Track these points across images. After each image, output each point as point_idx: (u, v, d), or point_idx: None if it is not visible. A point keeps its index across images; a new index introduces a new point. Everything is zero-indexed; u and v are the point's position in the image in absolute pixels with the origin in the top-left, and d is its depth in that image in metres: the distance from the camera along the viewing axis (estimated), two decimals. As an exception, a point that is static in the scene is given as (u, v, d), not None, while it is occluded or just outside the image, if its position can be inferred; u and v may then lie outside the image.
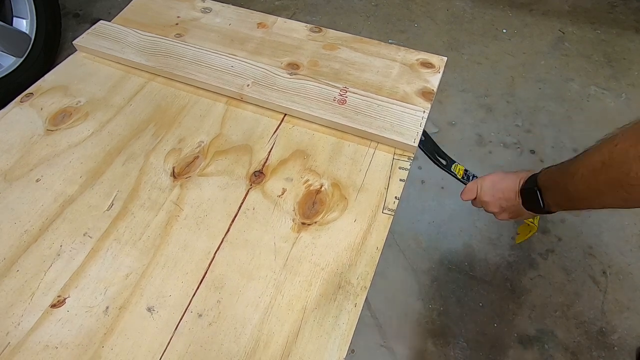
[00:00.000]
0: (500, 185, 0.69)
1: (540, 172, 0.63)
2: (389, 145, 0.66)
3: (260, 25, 0.85)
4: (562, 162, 0.58)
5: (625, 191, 0.46)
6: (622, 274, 1.25)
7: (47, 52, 1.68)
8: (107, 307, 0.50)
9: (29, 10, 1.59)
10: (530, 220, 0.76)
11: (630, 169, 0.44)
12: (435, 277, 1.26)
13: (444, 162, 0.75)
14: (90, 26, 0.80)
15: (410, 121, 0.66)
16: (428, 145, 0.72)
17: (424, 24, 2.00)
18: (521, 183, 0.66)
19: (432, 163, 0.74)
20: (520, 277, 1.26)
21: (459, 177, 0.75)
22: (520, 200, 0.66)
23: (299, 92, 0.70)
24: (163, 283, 0.52)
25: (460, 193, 0.75)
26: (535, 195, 0.62)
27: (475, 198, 0.73)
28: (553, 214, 0.63)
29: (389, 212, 0.59)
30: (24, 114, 0.70)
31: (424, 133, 0.69)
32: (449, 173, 0.75)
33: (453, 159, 0.76)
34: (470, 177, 0.76)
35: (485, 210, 0.74)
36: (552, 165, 0.61)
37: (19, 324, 0.49)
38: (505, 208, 0.70)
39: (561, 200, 0.59)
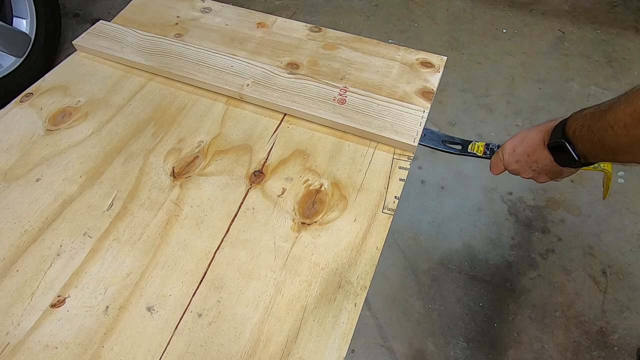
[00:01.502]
0: (523, 148, 0.60)
1: (569, 119, 0.54)
2: (388, 145, 0.66)
3: (260, 25, 0.85)
4: (596, 107, 0.50)
5: None
6: (622, 274, 1.25)
7: (47, 52, 1.68)
8: (107, 307, 0.50)
9: (29, 10, 1.59)
10: (601, 166, 0.63)
11: None
12: (435, 277, 1.26)
13: (458, 147, 0.71)
14: (90, 26, 0.80)
15: (410, 121, 0.66)
16: (433, 140, 0.69)
17: (424, 24, 2.00)
18: (546, 137, 0.57)
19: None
20: (520, 277, 1.26)
21: (481, 155, 0.70)
22: (552, 157, 0.57)
23: (299, 92, 0.70)
24: (163, 283, 0.52)
25: (490, 168, 0.69)
26: (565, 149, 0.53)
27: (504, 170, 0.66)
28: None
29: (389, 212, 0.59)
30: (24, 113, 0.70)
31: (425, 129, 0.67)
32: (469, 155, 0.70)
33: (467, 139, 0.71)
34: (495, 149, 0.70)
35: (523, 177, 0.65)
36: (583, 110, 0.52)
37: (19, 324, 0.49)
38: (540, 170, 0.61)
39: (599, 153, 0.51)
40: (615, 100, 0.46)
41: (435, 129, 0.72)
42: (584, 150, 0.52)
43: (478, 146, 0.70)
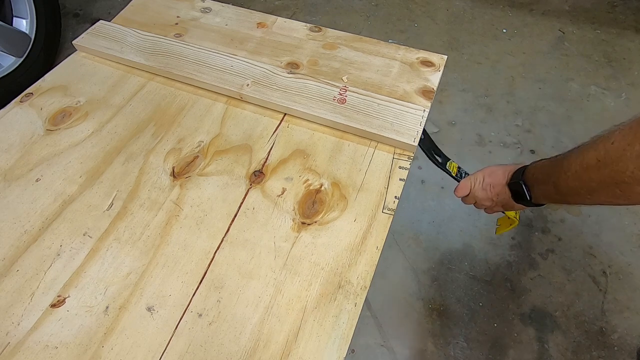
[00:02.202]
0: (489, 180, 0.71)
1: (530, 165, 0.63)
2: (388, 145, 0.66)
3: (260, 24, 0.85)
4: (554, 157, 0.58)
5: (619, 189, 0.46)
6: (622, 274, 1.25)
7: (47, 52, 1.68)
8: (107, 307, 0.50)
9: (29, 10, 1.59)
10: (513, 213, 0.78)
11: (626, 167, 0.43)
12: (435, 277, 1.26)
13: (439, 159, 0.76)
14: (90, 26, 0.80)
15: (411, 120, 0.66)
16: (426, 143, 0.73)
17: (424, 23, 2.00)
18: (508, 176, 0.67)
19: (432, 162, 0.75)
20: (520, 277, 1.25)
21: (453, 175, 0.77)
22: (510, 194, 0.66)
23: (299, 92, 0.70)
24: (163, 283, 0.52)
25: (454, 190, 0.76)
26: (520, 188, 0.63)
27: (468, 195, 0.75)
28: (554, 210, 0.65)
29: (389, 212, 0.58)
30: (24, 113, 0.70)
31: (424, 131, 0.69)
32: (444, 170, 0.77)
33: (448, 156, 0.78)
34: (463, 175, 0.77)
35: (476, 207, 0.76)
36: (543, 159, 0.61)
37: (19, 324, 0.49)
38: (497, 202, 0.71)
39: (551, 194, 0.59)
40: (570, 152, 0.54)
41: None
42: (539, 192, 0.61)
43: (453, 166, 0.77)
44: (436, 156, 0.75)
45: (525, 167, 0.64)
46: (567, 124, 1.61)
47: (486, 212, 0.77)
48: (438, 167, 0.76)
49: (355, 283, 0.52)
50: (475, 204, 0.76)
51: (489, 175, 0.71)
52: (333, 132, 0.68)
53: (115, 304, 0.51)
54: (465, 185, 0.74)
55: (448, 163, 0.77)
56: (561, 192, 0.56)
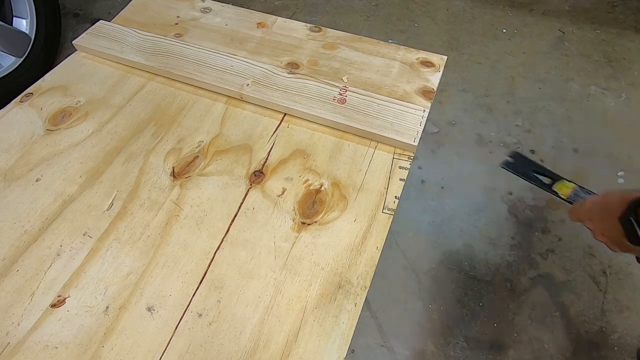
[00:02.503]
0: (598, 208, 0.55)
1: None
2: (389, 145, 0.66)
3: (260, 24, 0.85)
4: None
5: None
6: (622, 274, 1.25)
7: (47, 52, 1.67)
8: (107, 307, 0.50)
9: (29, 10, 1.59)
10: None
11: None
12: (435, 277, 1.26)
13: (548, 180, 0.65)
14: (90, 26, 0.80)
15: (411, 120, 0.66)
16: (522, 166, 0.64)
17: (424, 23, 2.00)
18: (623, 207, 0.50)
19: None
20: (520, 277, 1.25)
21: (564, 198, 0.64)
22: (622, 231, 0.50)
23: (299, 92, 0.70)
24: (163, 283, 0.52)
25: (569, 214, 0.63)
26: (632, 227, 0.48)
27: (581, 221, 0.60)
28: None
29: (389, 212, 0.58)
30: (24, 113, 0.70)
31: (515, 154, 0.61)
32: (553, 194, 0.65)
33: (558, 175, 0.66)
34: (582, 196, 0.64)
35: (595, 239, 0.59)
36: None
37: (19, 324, 0.49)
38: (609, 239, 0.55)
39: None
40: None
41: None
42: None
43: (566, 186, 0.64)
44: (538, 176, 0.65)
45: None
46: (567, 124, 1.61)
47: (613, 250, 0.56)
48: (544, 189, 0.64)
49: (355, 283, 0.52)
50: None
51: (601, 203, 0.55)
52: (333, 132, 0.68)
53: (115, 304, 0.51)
54: (576, 210, 0.60)
55: (556, 184, 0.64)
56: None
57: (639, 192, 0.50)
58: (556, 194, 0.64)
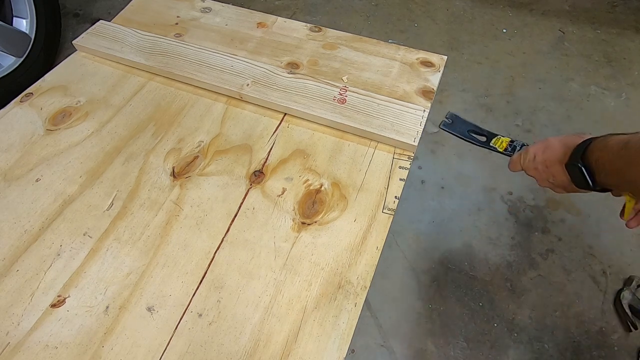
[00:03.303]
0: (542, 157, 0.57)
1: (591, 145, 0.49)
2: (389, 145, 0.66)
3: (260, 24, 0.85)
4: (620, 141, 0.45)
5: None
6: (622, 274, 1.25)
7: (47, 52, 1.67)
8: (107, 307, 0.50)
9: (29, 10, 1.59)
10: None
11: None
12: (435, 277, 1.26)
13: (483, 138, 0.70)
14: (90, 26, 0.80)
15: (410, 120, 0.66)
16: (459, 127, 0.69)
17: (424, 23, 2.00)
18: (567, 155, 0.52)
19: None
20: (520, 277, 1.25)
21: (501, 151, 0.69)
22: (569, 177, 0.53)
23: (299, 92, 0.69)
24: (163, 283, 0.52)
25: (508, 165, 0.66)
26: (579, 174, 0.50)
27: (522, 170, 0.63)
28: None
29: (389, 212, 0.58)
30: (24, 113, 0.70)
31: (452, 115, 0.66)
32: (490, 149, 0.70)
33: (494, 132, 0.71)
34: (517, 148, 0.69)
35: (539, 185, 0.62)
36: (607, 139, 0.48)
37: (19, 324, 0.49)
38: (556, 184, 0.58)
39: (620, 185, 0.47)
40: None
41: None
42: (603, 180, 0.49)
43: (502, 141, 0.69)
44: (476, 136, 0.69)
45: (587, 143, 0.49)
46: (567, 124, 1.61)
47: (555, 191, 0.60)
48: (482, 146, 0.69)
49: (355, 283, 0.52)
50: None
51: (544, 151, 0.57)
52: (333, 132, 0.68)
53: (115, 304, 0.51)
54: (514, 160, 0.63)
55: (494, 139, 0.70)
56: (633, 185, 0.44)
57: (579, 136, 0.52)
58: (494, 149, 0.69)
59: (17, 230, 0.57)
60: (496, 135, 0.70)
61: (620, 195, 0.57)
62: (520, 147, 0.68)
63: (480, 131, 0.71)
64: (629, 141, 0.44)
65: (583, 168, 0.49)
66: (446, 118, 0.68)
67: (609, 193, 0.55)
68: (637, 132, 0.45)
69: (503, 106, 1.67)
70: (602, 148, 0.48)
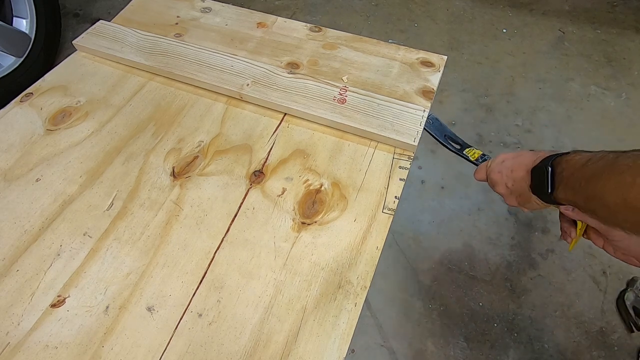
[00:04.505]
0: (510, 162, 0.59)
1: (564, 156, 0.50)
2: (389, 145, 0.66)
3: (260, 24, 0.85)
4: (590, 154, 0.46)
5: None
6: (622, 274, 1.25)
7: (47, 52, 1.67)
8: (107, 307, 0.50)
9: (29, 10, 1.59)
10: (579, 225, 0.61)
11: None
12: (435, 277, 1.26)
13: (457, 146, 0.72)
14: (90, 26, 0.80)
15: (410, 120, 0.66)
16: (439, 129, 0.71)
17: (424, 23, 2.00)
18: (537, 161, 0.54)
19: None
20: (520, 277, 1.25)
21: (472, 160, 0.71)
22: (529, 181, 0.54)
23: (299, 92, 0.69)
24: (163, 283, 0.52)
25: (474, 172, 0.69)
26: (544, 175, 0.51)
27: (486, 177, 0.65)
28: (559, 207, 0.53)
29: (389, 212, 0.58)
30: (24, 113, 0.70)
31: (433, 117, 0.69)
32: (462, 157, 0.72)
33: (468, 143, 0.73)
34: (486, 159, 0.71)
35: (495, 191, 0.64)
36: (578, 155, 0.48)
37: (19, 324, 0.49)
38: (512, 190, 0.60)
39: (578, 203, 0.48)
40: (603, 172, 0.43)
41: (445, 123, 0.73)
42: (561, 194, 0.50)
43: (475, 152, 0.72)
44: (452, 143, 0.72)
45: (560, 154, 0.51)
46: (567, 124, 1.61)
47: (505, 202, 0.62)
48: (456, 154, 0.72)
49: (355, 283, 0.52)
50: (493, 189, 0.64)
51: (513, 158, 0.59)
52: (333, 132, 0.68)
53: (115, 304, 0.51)
54: (483, 166, 0.65)
55: (467, 149, 0.72)
56: (590, 210, 0.46)
57: (554, 151, 0.53)
58: (466, 157, 0.71)
59: (17, 230, 0.57)
60: (470, 146, 0.73)
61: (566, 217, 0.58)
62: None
63: (455, 139, 0.73)
64: (590, 159, 0.45)
65: (550, 170, 0.50)
66: (428, 117, 0.70)
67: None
68: (600, 151, 0.46)
69: (503, 106, 1.67)
70: (569, 160, 0.49)
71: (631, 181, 0.39)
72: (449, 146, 0.72)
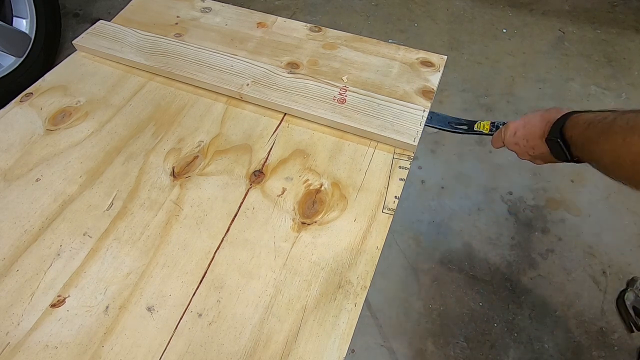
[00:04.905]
0: (523, 132, 0.61)
1: (567, 121, 0.52)
2: (388, 145, 0.66)
3: (260, 24, 0.85)
4: (594, 118, 0.48)
5: None
6: (622, 274, 1.25)
7: (47, 52, 1.67)
8: (107, 307, 0.50)
9: (29, 10, 1.59)
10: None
11: None
12: (435, 277, 1.26)
13: (464, 127, 0.72)
14: (90, 26, 0.80)
15: (410, 120, 0.66)
16: (439, 122, 0.71)
17: (424, 23, 2.00)
18: (547, 128, 0.56)
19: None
20: (520, 277, 1.25)
21: (487, 133, 0.71)
22: (548, 150, 0.56)
23: (299, 92, 0.69)
24: (163, 283, 0.52)
25: (491, 143, 0.70)
26: (560, 147, 0.53)
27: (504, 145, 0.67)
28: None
29: (389, 212, 0.58)
30: (24, 113, 0.70)
31: (431, 112, 0.69)
32: (475, 133, 0.72)
33: (473, 119, 0.73)
34: (500, 126, 0.70)
35: (520, 158, 0.66)
36: (582, 115, 0.51)
37: (19, 324, 0.49)
38: (536, 156, 0.61)
39: (592, 158, 0.49)
40: (600, 136, 0.45)
41: (435, 129, 0.72)
42: (578, 154, 0.52)
43: (484, 125, 0.71)
44: (459, 126, 0.72)
45: (564, 119, 0.53)
46: (567, 124, 1.61)
47: (534, 163, 0.64)
48: (468, 133, 0.72)
49: (355, 283, 0.52)
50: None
51: (524, 127, 0.61)
52: (333, 132, 0.68)
53: (115, 304, 0.51)
54: (496, 138, 0.66)
55: (476, 124, 0.72)
56: (603, 166, 0.47)
57: (557, 110, 0.56)
58: (479, 132, 0.71)
59: (17, 230, 0.57)
60: (476, 121, 0.73)
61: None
62: (502, 124, 0.70)
63: (459, 121, 0.73)
64: (592, 121, 0.48)
65: (562, 142, 0.53)
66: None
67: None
68: (603, 111, 0.48)
69: (503, 106, 1.67)
70: (574, 125, 0.51)
71: (622, 141, 0.42)
72: (457, 131, 0.72)
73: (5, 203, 0.59)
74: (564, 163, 0.58)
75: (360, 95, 0.69)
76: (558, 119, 0.54)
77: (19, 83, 1.53)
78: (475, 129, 0.72)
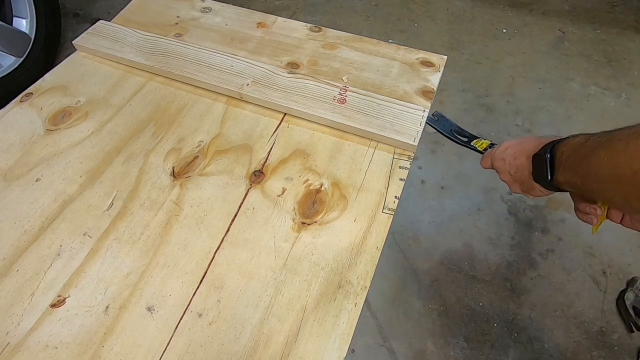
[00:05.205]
0: (513, 149, 0.59)
1: (561, 141, 0.51)
2: (389, 145, 0.66)
3: (260, 24, 0.85)
4: (585, 141, 0.46)
5: None
6: (622, 274, 1.25)
7: (47, 52, 1.67)
8: (107, 307, 0.50)
9: (29, 10, 1.59)
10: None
11: None
12: (435, 277, 1.26)
13: (464, 139, 0.73)
14: (90, 26, 0.80)
15: (410, 120, 0.66)
16: (443, 126, 0.72)
17: (424, 23, 2.00)
18: (537, 147, 0.54)
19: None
20: (520, 277, 1.25)
21: (481, 150, 0.71)
22: (531, 168, 0.55)
23: (299, 92, 0.69)
24: (163, 283, 0.52)
25: (480, 161, 0.69)
26: (543, 161, 0.51)
27: (491, 165, 0.65)
28: (562, 192, 0.53)
29: (389, 212, 0.58)
30: (24, 113, 0.70)
31: (439, 114, 0.70)
32: (470, 148, 0.72)
33: (475, 135, 0.73)
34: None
35: (500, 179, 0.64)
36: (576, 137, 0.49)
37: (19, 324, 0.49)
38: (515, 178, 0.60)
39: (574, 181, 0.48)
40: (598, 147, 0.43)
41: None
42: (560, 177, 0.50)
43: (482, 143, 0.71)
44: (459, 136, 0.72)
45: (563, 139, 0.51)
46: (567, 124, 1.61)
47: (510, 189, 0.62)
48: (464, 146, 0.72)
49: (355, 283, 0.52)
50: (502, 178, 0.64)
51: (518, 144, 0.59)
52: (333, 132, 0.68)
53: (115, 304, 0.51)
54: (487, 154, 0.65)
55: (475, 141, 0.72)
56: (588, 191, 0.46)
57: (555, 137, 0.54)
58: (474, 148, 0.71)
59: (17, 230, 0.57)
60: (477, 137, 0.73)
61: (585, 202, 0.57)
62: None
63: (462, 132, 0.74)
64: (588, 140, 0.46)
65: (548, 157, 0.51)
66: (432, 115, 0.70)
67: None
68: (599, 132, 0.46)
69: (503, 106, 1.67)
70: (567, 143, 0.50)
71: (623, 148, 0.39)
72: (456, 140, 0.72)
73: (5, 203, 0.59)
74: (540, 193, 0.57)
75: (360, 95, 0.69)
76: (554, 140, 0.53)
77: (19, 83, 1.53)
78: (471, 144, 0.72)
